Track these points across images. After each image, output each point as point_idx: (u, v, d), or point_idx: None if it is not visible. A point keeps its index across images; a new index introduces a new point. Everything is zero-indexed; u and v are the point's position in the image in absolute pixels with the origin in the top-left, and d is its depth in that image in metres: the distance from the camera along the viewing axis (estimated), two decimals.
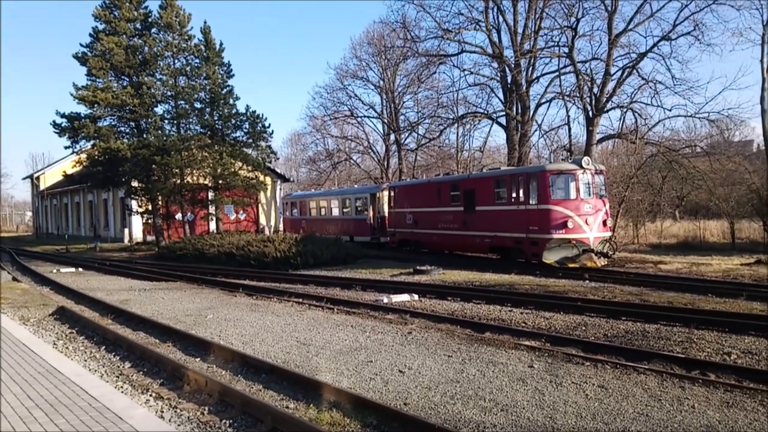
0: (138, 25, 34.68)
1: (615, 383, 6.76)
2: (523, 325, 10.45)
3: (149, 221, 36.85)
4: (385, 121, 45.77)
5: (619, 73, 27.02)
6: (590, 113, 26.73)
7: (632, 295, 13.49)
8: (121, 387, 7.12)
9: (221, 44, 35.58)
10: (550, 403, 6.12)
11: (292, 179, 61.08)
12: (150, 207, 35.08)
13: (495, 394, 6.45)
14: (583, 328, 9.99)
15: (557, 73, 29.50)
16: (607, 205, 19.65)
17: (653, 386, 6.63)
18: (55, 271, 22.93)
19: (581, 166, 18.52)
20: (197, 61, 35.52)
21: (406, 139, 43.82)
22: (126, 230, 42.07)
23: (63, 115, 33.36)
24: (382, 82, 45.07)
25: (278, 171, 51.85)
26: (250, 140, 35.97)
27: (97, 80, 33.26)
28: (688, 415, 5.73)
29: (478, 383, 6.87)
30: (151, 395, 6.77)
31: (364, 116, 47.75)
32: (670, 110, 28.98)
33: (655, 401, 6.12)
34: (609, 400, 6.20)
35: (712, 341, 8.66)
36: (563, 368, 7.42)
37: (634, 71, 26.71)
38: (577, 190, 18.36)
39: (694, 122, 27.90)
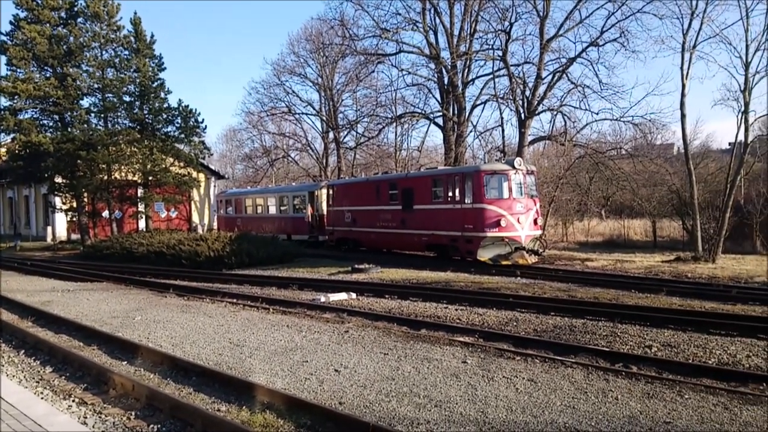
0: (63, 14, 33.00)
1: (544, 377, 6.98)
2: (458, 321, 10.63)
3: (74, 219, 35.21)
4: (324, 118, 45.45)
5: (550, 77, 27.96)
6: (522, 115, 27.50)
7: (561, 291, 13.99)
8: (42, 393, 6.76)
9: (152, 36, 34.44)
10: (482, 398, 6.25)
11: (227, 176, 59.68)
12: (75, 204, 33.51)
13: (429, 390, 6.53)
14: (515, 323, 10.26)
15: (492, 76, 30.19)
16: (538, 205, 20.31)
17: (580, 379, 6.88)
18: None
19: (514, 167, 19.04)
20: (126, 52, 34.19)
21: (344, 137, 43.72)
22: (49, 228, 39.97)
23: None
24: (320, 80, 44.73)
25: (212, 167, 50.52)
26: (183, 135, 34.90)
27: (18, 70, 31.48)
28: (612, 406, 5.98)
29: (413, 380, 6.93)
30: (73, 401, 6.47)
31: (302, 113, 47.28)
32: (597, 114, 30.47)
33: (582, 394, 6.36)
34: (538, 393, 6.39)
35: (635, 335, 9.07)
36: (495, 363, 7.60)
37: (564, 75, 27.72)
38: (510, 189, 18.87)
39: (620, 125, 29.19)
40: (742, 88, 21.06)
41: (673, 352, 8.21)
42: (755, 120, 22.94)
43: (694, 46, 22.23)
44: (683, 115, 22.69)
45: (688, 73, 22.28)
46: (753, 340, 8.57)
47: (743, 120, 21.30)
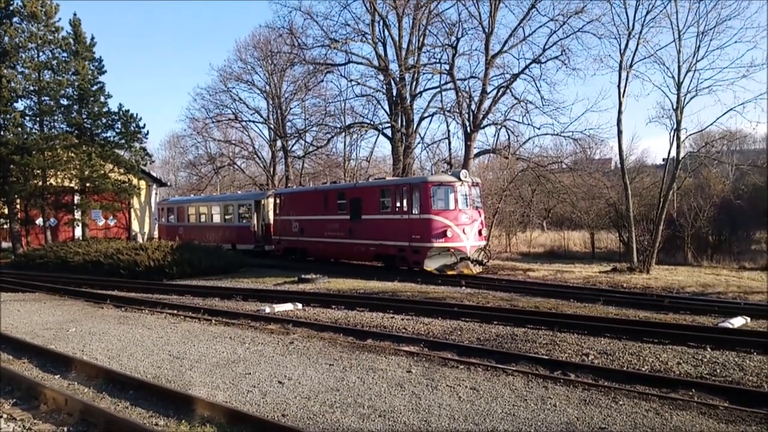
0: None
1: (486, 385, 7.10)
2: (404, 331, 10.69)
3: (5, 226, 33.53)
4: (272, 126, 44.96)
5: (495, 92, 28.67)
6: (468, 129, 28.05)
7: (504, 300, 14.29)
8: None
9: (92, 38, 33.29)
10: (426, 407, 6.30)
11: (169, 183, 58.03)
12: (6, 211, 31.91)
13: (374, 401, 6.53)
14: (459, 332, 10.40)
15: (439, 89, 30.72)
16: (482, 216, 20.73)
17: (520, 387, 7.03)
18: None
19: (460, 179, 19.39)
20: (65, 55, 32.90)
21: (293, 146, 43.38)
22: None
23: None
24: (268, 87, 44.24)
25: (154, 174, 48.95)
26: (123, 141, 33.89)
27: None
28: (550, 413, 6.13)
29: (358, 390, 6.92)
30: (1, 416, 6.14)
31: (249, 121, 46.62)
32: (539, 128, 31.44)
33: (522, 401, 6.50)
34: (480, 401, 6.49)
35: (573, 343, 9.35)
36: (439, 372, 7.67)
37: (508, 91, 28.48)
38: (456, 201, 19.19)
39: (560, 140, 30.27)
40: (675, 107, 22.16)
41: (608, 359, 8.49)
42: (687, 137, 24.23)
43: (631, 66, 23.30)
44: (620, 132, 23.67)
45: (624, 91, 23.32)
46: (683, 348, 8.96)
47: (675, 137, 22.41)
